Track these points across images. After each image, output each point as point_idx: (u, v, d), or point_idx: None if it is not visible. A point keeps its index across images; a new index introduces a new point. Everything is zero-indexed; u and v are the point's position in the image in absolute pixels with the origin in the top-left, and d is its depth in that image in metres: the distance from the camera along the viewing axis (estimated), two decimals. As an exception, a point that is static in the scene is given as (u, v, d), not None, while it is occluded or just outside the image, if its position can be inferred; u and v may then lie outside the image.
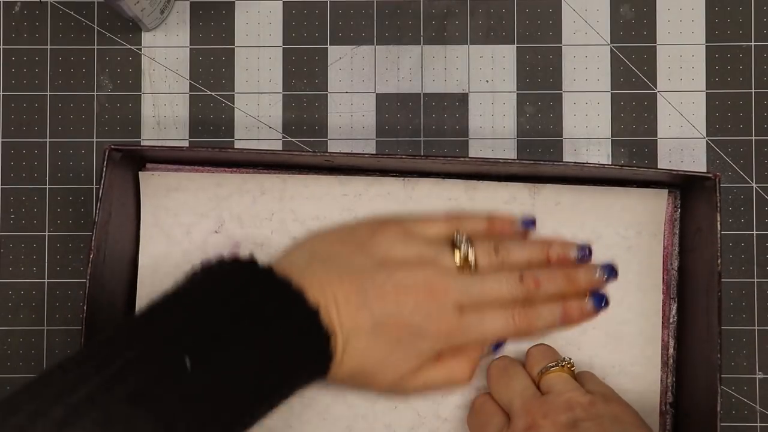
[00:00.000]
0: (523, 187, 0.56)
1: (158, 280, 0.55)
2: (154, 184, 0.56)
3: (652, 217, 0.56)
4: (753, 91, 0.59)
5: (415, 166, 0.55)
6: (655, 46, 0.59)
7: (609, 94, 0.59)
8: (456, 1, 0.60)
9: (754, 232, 0.59)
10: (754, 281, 0.59)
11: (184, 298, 0.48)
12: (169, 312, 0.46)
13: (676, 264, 0.56)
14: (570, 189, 0.56)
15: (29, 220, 0.59)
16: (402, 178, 0.56)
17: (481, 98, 0.60)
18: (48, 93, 0.60)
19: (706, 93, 0.59)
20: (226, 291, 0.47)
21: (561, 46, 0.60)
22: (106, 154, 0.51)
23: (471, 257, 0.51)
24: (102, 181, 0.51)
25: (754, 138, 0.59)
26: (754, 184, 0.59)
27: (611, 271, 0.54)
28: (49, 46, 0.60)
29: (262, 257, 0.53)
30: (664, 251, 0.56)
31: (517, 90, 0.60)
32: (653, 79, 0.59)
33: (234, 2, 0.60)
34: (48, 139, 0.60)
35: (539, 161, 0.54)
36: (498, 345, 0.54)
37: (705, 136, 0.59)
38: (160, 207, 0.56)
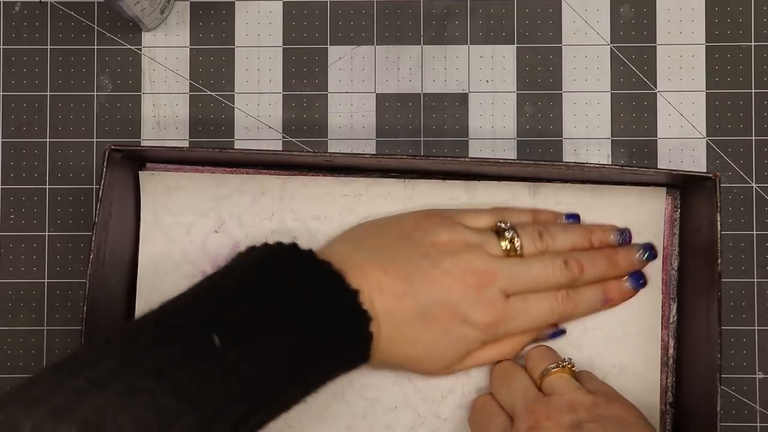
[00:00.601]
0: (523, 186, 0.56)
1: (158, 279, 0.55)
2: (154, 183, 0.56)
3: (652, 218, 0.56)
4: (753, 91, 0.59)
5: (416, 165, 0.55)
6: (655, 46, 0.59)
7: (609, 94, 0.59)
8: (456, 1, 0.60)
9: (754, 232, 0.59)
10: (754, 281, 0.58)
11: (219, 279, 0.47)
12: (200, 293, 0.46)
13: (675, 264, 0.56)
14: (570, 188, 0.56)
15: (29, 220, 0.59)
16: (402, 179, 0.56)
17: (481, 98, 0.60)
18: (48, 93, 0.60)
19: (706, 93, 0.59)
20: (262, 271, 0.47)
21: (561, 46, 0.59)
22: (106, 154, 0.51)
23: (517, 243, 0.52)
24: (102, 182, 0.51)
25: (754, 138, 0.59)
26: (754, 184, 0.59)
27: (651, 251, 0.55)
28: (49, 46, 0.60)
29: None
30: (663, 251, 0.56)
31: (517, 90, 0.60)
32: (653, 79, 0.59)
33: (234, 2, 0.60)
34: (48, 139, 0.60)
35: (540, 161, 0.54)
36: (556, 333, 0.54)
37: (705, 136, 0.59)
38: (160, 206, 0.56)
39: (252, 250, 0.50)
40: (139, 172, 0.56)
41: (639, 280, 0.55)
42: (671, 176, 0.54)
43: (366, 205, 0.56)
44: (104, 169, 0.51)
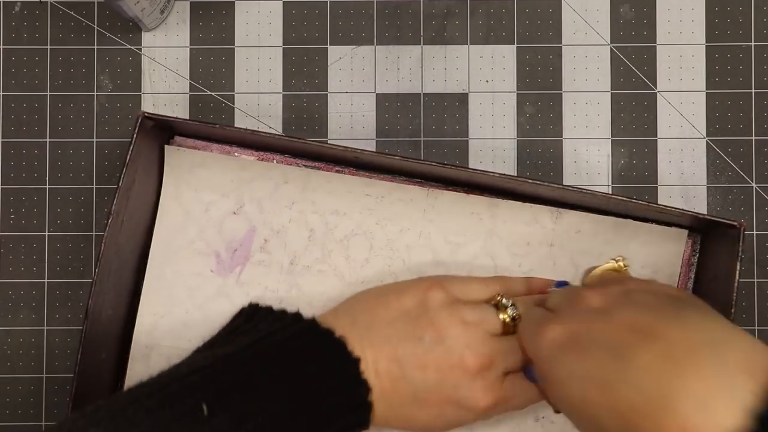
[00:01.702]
0: (546, 210, 0.55)
1: (171, 253, 0.56)
2: (179, 158, 0.56)
3: (670, 258, 0.55)
4: (753, 91, 0.59)
5: (441, 173, 0.54)
6: (655, 46, 0.59)
7: (609, 94, 0.59)
8: (456, 1, 0.60)
9: (754, 232, 0.59)
10: (754, 281, 0.59)
11: (219, 345, 0.48)
12: (198, 359, 0.47)
13: None
14: (592, 218, 0.55)
15: (29, 220, 0.59)
16: (426, 187, 0.56)
17: (481, 98, 0.60)
18: (48, 93, 0.60)
19: (706, 93, 0.59)
20: (263, 337, 0.48)
21: (561, 46, 0.60)
22: (139, 120, 0.52)
23: (516, 319, 0.50)
24: (131, 147, 0.51)
25: (754, 138, 0.59)
26: (754, 184, 0.59)
27: None
28: (49, 46, 0.60)
29: (277, 244, 0.53)
30: None
31: (517, 90, 0.60)
32: (653, 79, 0.59)
33: (234, 2, 0.60)
34: (48, 139, 0.60)
35: (567, 187, 0.53)
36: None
37: (705, 136, 0.59)
38: (182, 181, 0.56)
39: (254, 312, 0.50)
40: (165, 146, 0.56)
41: None
42: (695, 219, 0.53)
43: (387, 208, 0.56)
44: (135, 135, 0.52)
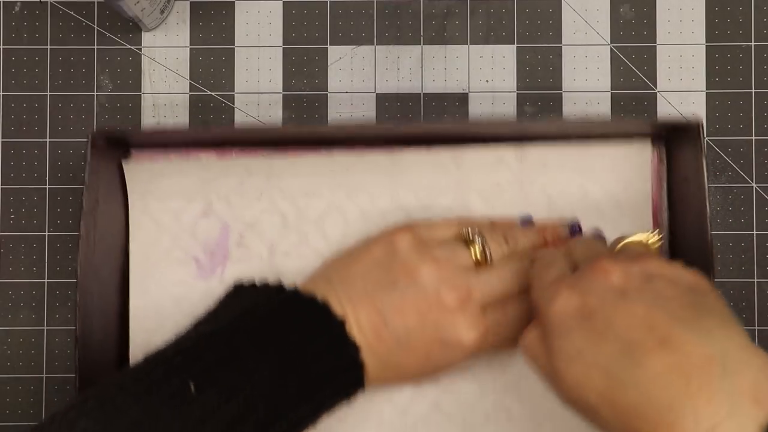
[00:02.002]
0: (510, 149, 0.56)
1: (150, 266, 0.55)
2: (138, 172, 0.56)
3: (639, 172, 0.56)
4: (753, 91, 0.59)
5: (398, 131, 0.55)
6: (655, 46, 0.59)
7: (609, 94, 0.59)
8: (456, 1, 0.60)
9: (754, 232, 0.59)
10: (754, 281, 0.59)
11: (203, 324, 0.48)
12: (182, 341, 0.47)
13: (665, 218, 0.56)
14: (555, 149, 0.56)
15: (29, 220, 0.59)
16: (388, 151, 0.56)
17: (481, 98, 0.60)
18: (48, 93, 0.60)
19: (706, 93, 0.59)
20: (246, 311, 0.48)
21: (561, 46, 0.60)
22: (90, 139, 0.52)
23: (487, 250, 0.51)
24: (86, 167, 0.52)
25: (754, 138, 0.59)
26: (754, 184, 0.59)
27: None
28: (49, 46, 0.60)
29: (253, 237, 0.54)
30: (653, 205, 0.56)
31: (517, 90, 0.60)
32: (653, 79, 0.59)
33: (234, 2, 0.60)
34: (48, 139, 0.60)
35: (523, 119, 0.55)
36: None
37: (705, 136, 0.59)
38: (147, 193, 0.56)
39: (238, 289, 0.50)
40: (123, 162, 0.56)
41: None
42: (654, 127, 0.54)
43: (354, 180, 0.56)
44: (89, 155, 0.52)
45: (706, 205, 0.51)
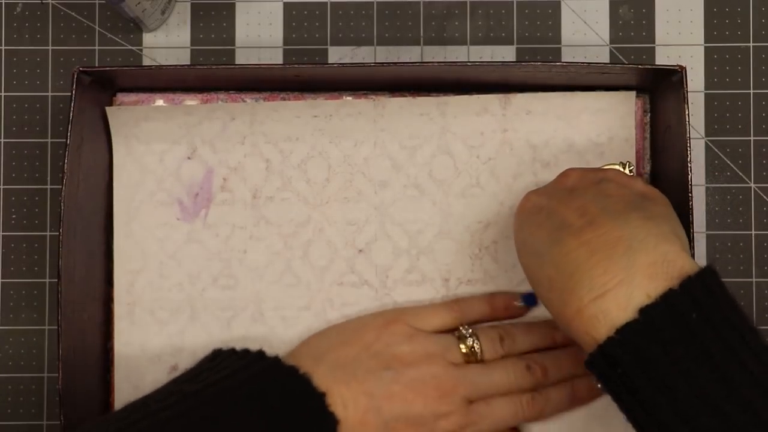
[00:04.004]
0: (494, 98, 0.56)
1: (134, 208, 0.56)
2: (123, 115, 0.56)
3: (623, 122, 0.56)
4: (752, 91, 0.59)
5: (383, 73, 0.55)
6: (654, 46, 0.60)
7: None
8: (456, 2, 0.60)
9: (753, 232, 0.59)
10: (753, 281, 0.59)
11: (186, 383, 0.48)
12: (166, 397, 0.47)
13: (648, 168, 0.57)
14: (540, 97, 0.56)
15: (30, 220, 0.59)
16: (372, 99, 0.57)
17: (480, 98, 0.60)
18: (49, 93, 0.60)
19: (705, 93, 0.59)
20: (228, 375, 0.48)
21: (561, 47, 0.60)
22: (75, 76, 0.52)
23: (477, 348, 0.51)
24: (71, 104, 0.52)
25: (752, 138, 0.59)
26: (752, 185, 0.59)
27: None
28: (50, 47, 0.60)
29: (237, 181, 0.55)
30: (636, 155, 0.56)
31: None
32: (652, 79, 0.59)
33: (234, 3, 0.60)
34: (49, 140, 0.60)
35: (507, 62, 0.55)
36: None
37: (704, 136, 0.59)
38: (131, 136, 0.56)
39: (218, 355, 0.50)
40: (107, 108, 0.56)
41: None
42: (640, 77, 0.54)
43: (337, 125, 0.56)
44: (73, 92, 0.52)
45: (687, 153, 0.51)
